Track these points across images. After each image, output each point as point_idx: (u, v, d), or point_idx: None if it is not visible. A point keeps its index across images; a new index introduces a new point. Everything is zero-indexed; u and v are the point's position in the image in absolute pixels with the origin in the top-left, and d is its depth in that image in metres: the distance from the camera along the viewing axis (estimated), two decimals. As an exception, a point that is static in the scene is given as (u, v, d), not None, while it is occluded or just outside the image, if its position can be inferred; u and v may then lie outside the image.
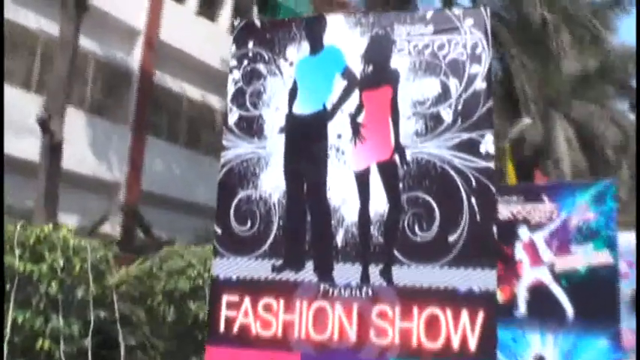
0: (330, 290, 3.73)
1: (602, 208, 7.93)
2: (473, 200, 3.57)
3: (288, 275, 3.84)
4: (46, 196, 10.57)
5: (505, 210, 8.35)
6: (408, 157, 3.74)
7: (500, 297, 8.27)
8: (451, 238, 3.57)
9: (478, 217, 3.55)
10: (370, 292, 3.65)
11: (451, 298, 3.50)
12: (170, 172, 19.78)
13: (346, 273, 3.72)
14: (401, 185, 3.71)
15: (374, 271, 3.66)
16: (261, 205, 4.00)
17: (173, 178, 19.66)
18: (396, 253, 3.64)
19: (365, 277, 3.67)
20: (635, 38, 16.87)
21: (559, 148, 20.26)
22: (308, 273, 3.80)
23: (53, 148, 10.79)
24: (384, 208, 3.72)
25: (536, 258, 8.09)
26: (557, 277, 7.91)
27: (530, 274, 8.08)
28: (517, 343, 7.92)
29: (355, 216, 3.77)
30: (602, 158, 20.84)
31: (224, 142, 4.20)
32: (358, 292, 3.67)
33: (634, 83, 21.51)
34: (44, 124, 10.74)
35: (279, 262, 3.88)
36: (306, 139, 4.02)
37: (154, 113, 19.94)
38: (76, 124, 16.18)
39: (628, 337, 10.12)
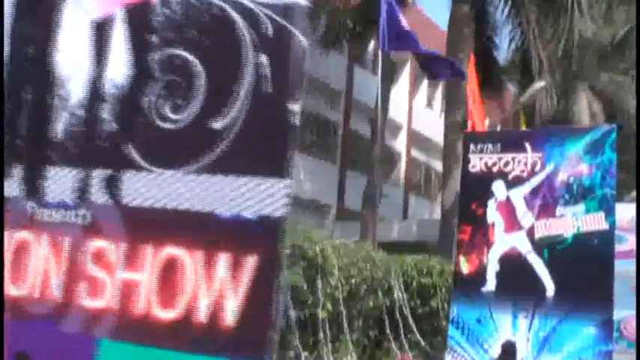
0: (40, 212, 2.27)
1: (598, 159, 6.22)
2: (263, 60, 2.04)
3: None
4: None
5: (477, 161, 6.76)
6: None
7: (466, 268, 6.75)
8: (218, 125, 2.05)
9: (269, 87, 2.04)
10: (89, 217, 2.18)
11: (205, 231, 2.00)
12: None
13: (62, 184, 2.24)
14: (155, 39, 2.21)
15: (98, 180, 2.18)
16: None
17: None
18: (131, 149, 2.14)
19: (84, 191, 2.19)
20: (636, 28, 14.96)
21: (581, 122, 18.34)
22: (14, 184, 2.34)
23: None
24: (123, 75, 2.23)
25: (512, 221, 6.47)
26: (538, 245, 6.27)
27: (504, 241, 6.46)
28: (482, 326, 6.35)
29: (83, 90, 2.29)
30: (629, 134, 18.85)
31: None
32: (73, 217, 2.20)
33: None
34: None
35: None
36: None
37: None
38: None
39: (633, 326, 8.43)
